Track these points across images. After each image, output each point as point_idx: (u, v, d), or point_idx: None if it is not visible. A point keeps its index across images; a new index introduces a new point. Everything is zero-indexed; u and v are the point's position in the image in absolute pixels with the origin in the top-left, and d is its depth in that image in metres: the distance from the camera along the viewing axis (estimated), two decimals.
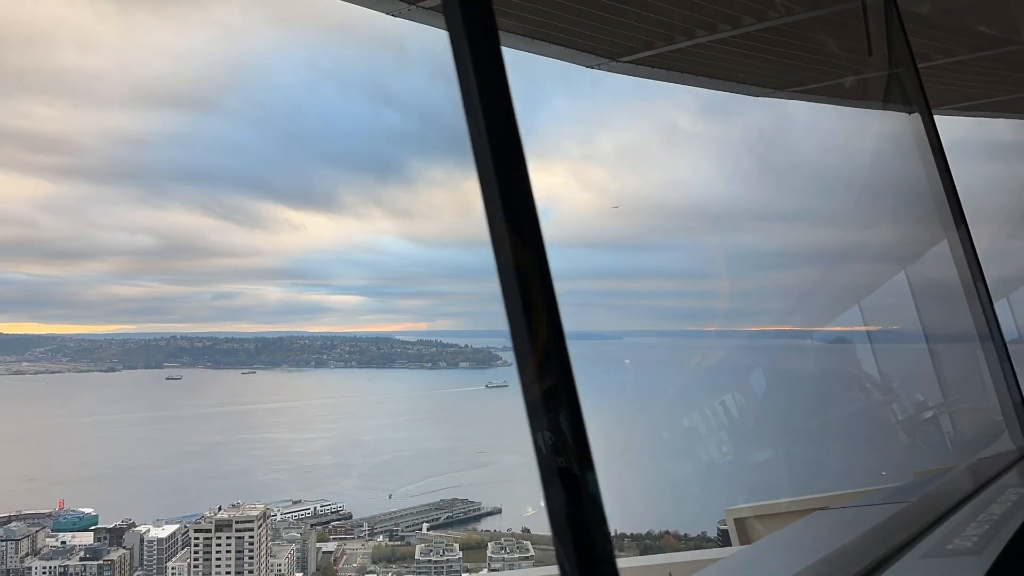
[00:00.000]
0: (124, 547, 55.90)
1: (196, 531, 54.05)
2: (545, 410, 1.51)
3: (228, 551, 52.95)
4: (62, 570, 52.93)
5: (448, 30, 1.61)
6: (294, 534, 59.66)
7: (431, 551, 58.13)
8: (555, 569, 1.55)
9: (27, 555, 54.20)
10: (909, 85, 3.66)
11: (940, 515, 2.39)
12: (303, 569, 57.92)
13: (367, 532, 63.89)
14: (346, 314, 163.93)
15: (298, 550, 57.81)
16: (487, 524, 66.09)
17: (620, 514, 63.64)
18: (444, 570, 56.39)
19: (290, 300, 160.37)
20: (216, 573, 52.54)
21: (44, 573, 52.92)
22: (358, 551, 61.57)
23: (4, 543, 54.14)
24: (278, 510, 62.67)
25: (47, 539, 56.11)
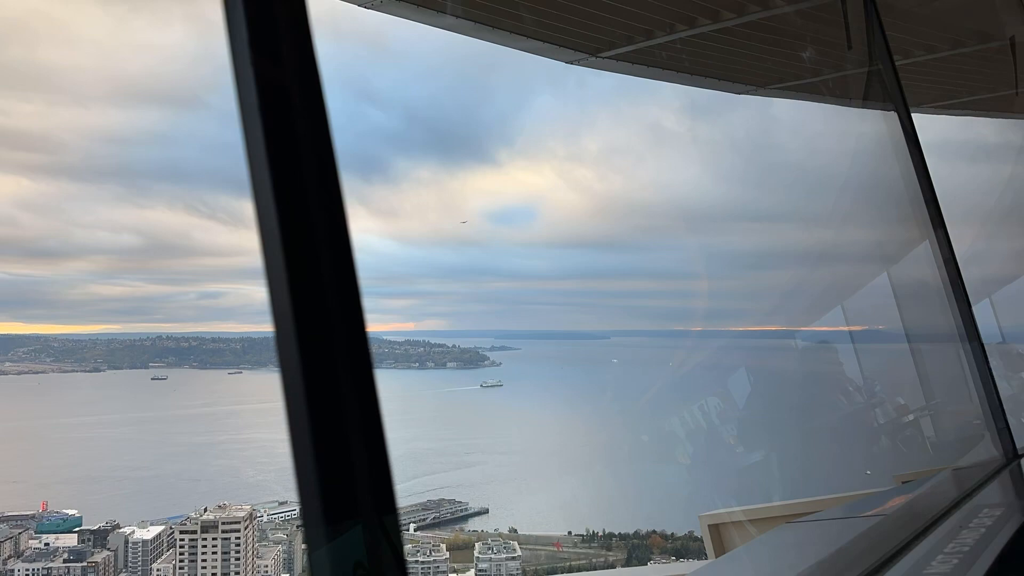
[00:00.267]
0: (108, 549, 55.48)
1: (181, 532, 53.71)
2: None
3: (214, 552, 52.67)
4: (45, 572, 52.47)
5: None
6: (281, 535, 59.41)
7: (418, 552, 58.03)
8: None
9: (10, 557, 53.70)
10: (887, 82, 3.56)
11: (914, 534, 2.27)
12: (290, 570, 57.69)
13: None
14: None
15: (285, 551, 57.57)
16: (474, 524, 66.03)
17: (608, 514, 63.77)
18: (431, 571, 56.28)
19: None
20: (202, 575, 52.19)
21: (27, 575, 52.44)
22: None
23: None
24: (265, 511, 62.39)
25: (30, 541, 55.60)
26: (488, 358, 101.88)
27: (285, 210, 1.00)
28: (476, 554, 56.62)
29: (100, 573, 52.85)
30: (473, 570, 55.83)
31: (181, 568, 52.34)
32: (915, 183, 3.24)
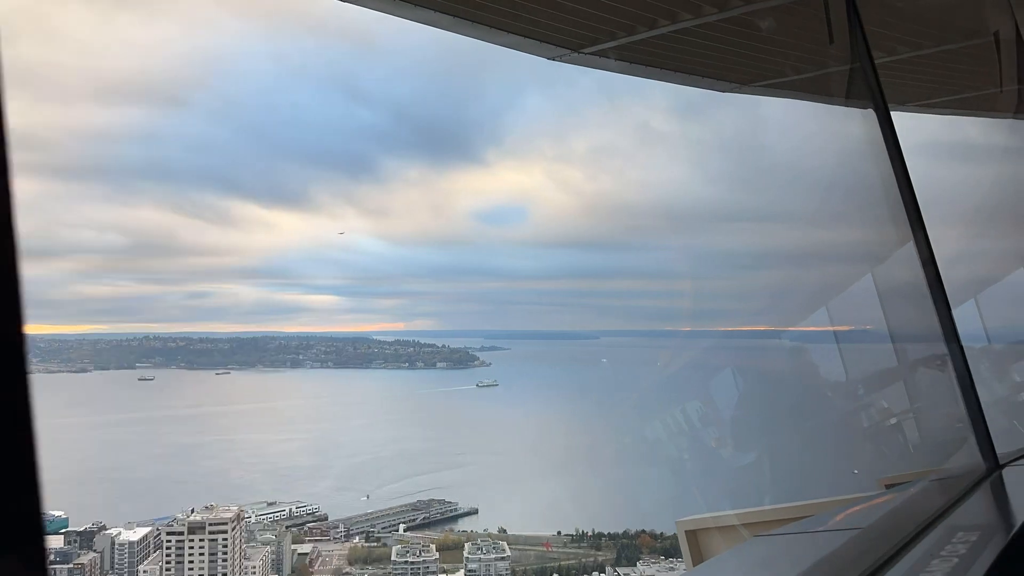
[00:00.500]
0: (94, 550, 55.14)
1: (168, 534, 53.43)
2: None
3: (201, 554, 52.42)
4: None
5: None
6: (269, 536, 59.18)
7: (408, 552, 58.00)
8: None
9: None
10: (866, 78, 3.48)
11: (889, 553, 2.16)
12: (278, 571, 57.48)
13: (343, 534, 63.60)
14: (322, 314, 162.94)
15: (273, 552, 57.38)
16: (464, 525, 66.00)
17: (597, 514, 63.80)
18: (420, 571, 56.25)
19: (265, 300, 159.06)
20: None
21: None
22: (334, 553, 61.28)
23: None
24: (252, 512, 62.18)
25: None
26: (478, 358, 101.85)
27: None
28: (466, 554, 56.60)
29: (86, 575, 52.49)
30: (463, 570, 55.80)
31: (168, 570, 52.04)
32: (893, 183, 3.15)
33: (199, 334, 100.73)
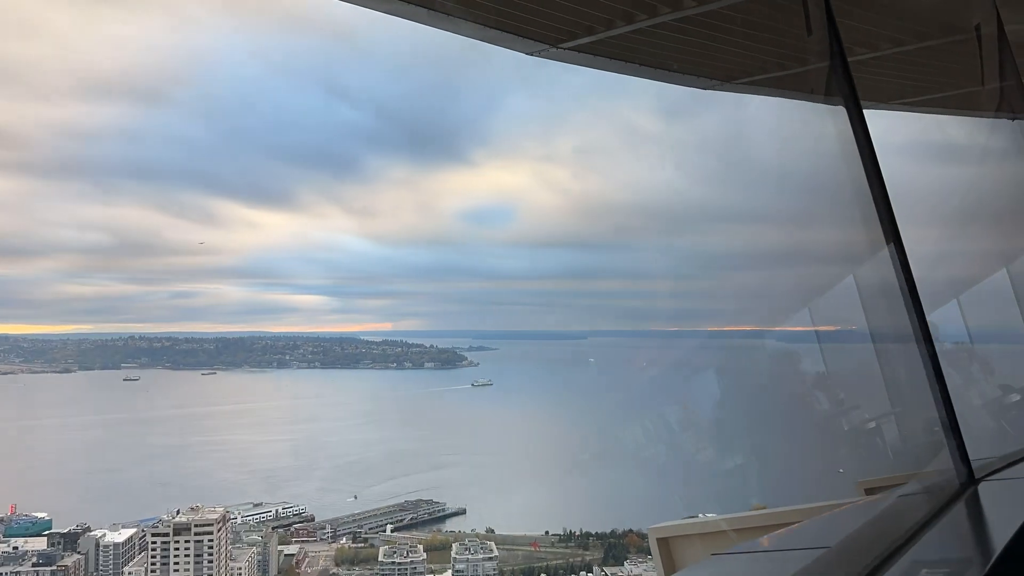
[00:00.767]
0: (79, 552, 54.73)
1: (154, 535, 53.12)
2: None
3: (187, 555, 52.16)
4: None
5: None
6: (255, 537, 58.89)
7: (395, 553, 57.86)
8: None
9: None
10: (837, 75, 3.38)
11: None
12: (264, 572, 57.24)
13: (330, 534, 63.38)
14: (308, 314, 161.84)
15: (259, 553, 57.10)
16: (452, 525, 65.89)
17: (585, 514, 63.82)
18: (408, 572, 56.11)
19: (250, 299, 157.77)
20: None
21: None
22: (321, 553, 61.08)
23: None
24: (239, 513, 61.89)
25: None
26: (466, 358, 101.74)
27: None
28: (453, 555, 56.52)
29: None
30: (450, 571, 55.70)
31: (153, 571, 51.71)
32: (863, 181, 3.04)
33: (185, 334, 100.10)
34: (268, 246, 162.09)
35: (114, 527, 56.66)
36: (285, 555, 59.34)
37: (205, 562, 52.12)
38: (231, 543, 55.42)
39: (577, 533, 61.74)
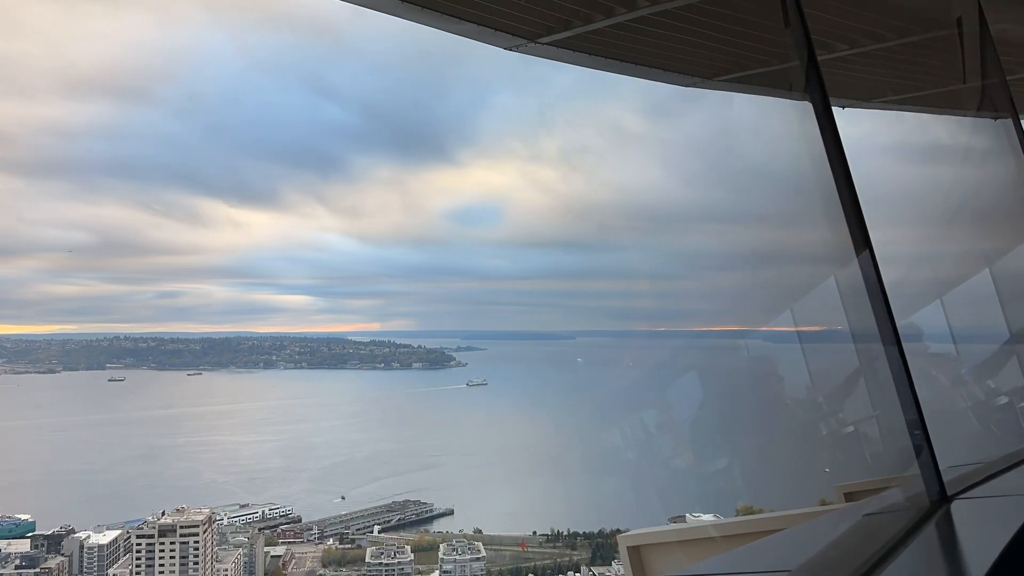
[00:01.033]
0: (62, 554, 54.33)
1: (139, 537, 52.78)
2: None
3: (172, 556, 51.84)
4: None
5: None
6: (241, 538, 58.55)
7: (382, 553, 57.72)
8: None
9: None
10: (803, 70, 3.31)
11: None
12: (251, 573, 56.94)
13: (317, 535, 63.16)
14: (295, 314, 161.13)
15: (245, 555, 56.79)
16: (440, 525, 65.80)
17: (573, 514, 63.86)
18: (395, 572, 55.99)
19: (236, 299, 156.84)
20: None
21: None
22: (308, 555, 60.83)
23: None
24: (225, 514, 61.60)
25: None
26: (454, 358, 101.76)
27: None
28: (441, 555, 56.41)
29: None
30: (438, 571, 55.59)
31: (138, 573, 51.38)
32: (831, 181, 2.96)
33: (170, 334, 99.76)
34: (254, 246, 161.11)
35: (99, 529, 56.33)
36: (272, 556, 59.06)
37: (191, 564, 51.83)
38: (217, 544, 55.16)
39: (565, 533, 61.73)
